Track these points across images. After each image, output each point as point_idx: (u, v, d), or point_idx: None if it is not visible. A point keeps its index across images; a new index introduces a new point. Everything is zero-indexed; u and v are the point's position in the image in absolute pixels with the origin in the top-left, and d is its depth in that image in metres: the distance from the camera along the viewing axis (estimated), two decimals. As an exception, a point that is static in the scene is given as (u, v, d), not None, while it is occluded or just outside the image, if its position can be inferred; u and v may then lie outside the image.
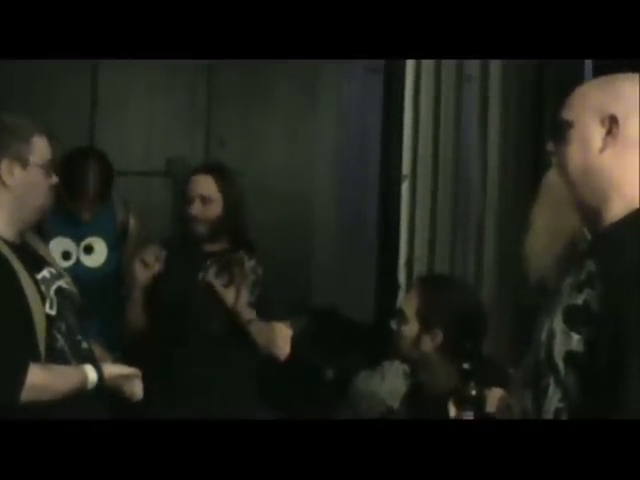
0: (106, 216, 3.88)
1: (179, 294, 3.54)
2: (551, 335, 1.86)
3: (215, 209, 3.55)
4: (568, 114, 1.94)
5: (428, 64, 4.67)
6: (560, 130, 1.94)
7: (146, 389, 2.84)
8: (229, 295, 3.53)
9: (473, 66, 4.42)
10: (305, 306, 4.92)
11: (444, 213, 4.60)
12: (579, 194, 1.94)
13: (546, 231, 2.19)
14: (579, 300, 1.82)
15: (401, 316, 2.91)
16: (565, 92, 1.98)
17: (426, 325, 2.87)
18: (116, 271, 3.89)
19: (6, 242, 2.67)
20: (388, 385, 3.77)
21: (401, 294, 3.01)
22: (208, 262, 3.58)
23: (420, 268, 4.60)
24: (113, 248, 3.87)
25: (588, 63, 3.41)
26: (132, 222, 3.95)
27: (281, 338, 3.63)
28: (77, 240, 3.88)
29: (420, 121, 4.72)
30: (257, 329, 3.53)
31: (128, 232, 3.91)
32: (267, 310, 3.58)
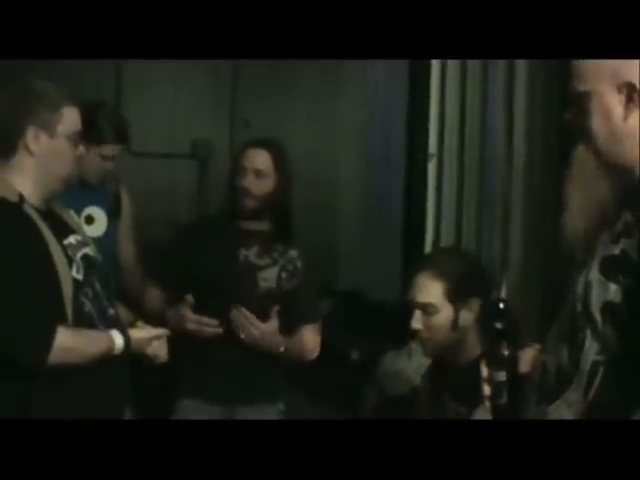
0: (99, 186, 3.74)
1: (216, 269, 3.46)
2: (587, 287, 1.82)
3: (267, 184, 3.47)
4: (582, 85, 1.87)
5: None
6: (577, 102, 1.88)
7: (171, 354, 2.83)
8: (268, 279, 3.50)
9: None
10: (331, 289, 4.90)
11: (470, 193, 4.57)
12: (609, 160, 1.90)
13: (582, 206, 2.14)
14: (616, 250, 1.80)
15: (428, 309, 2.76)
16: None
17: (461, 301, 2.75)
18: (114, 244, 3.74)
19: (34, 207, 2.66)
20: (415, 363, 3.72)
21: (413, 291, 2.84)
22: (252, 239, 3.52)
23: (446, 249, 4.57)
24: (111, 218, 3.74)
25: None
26: (124, 194, 3.82)
27: (311, 344, 3.59)
28: (78, 211, 3.57)
29: (446, 101, 4.70)
30: (288, 346, 3.49)
31: (121, 204, 3.78)
32: (298, 306, 3.53)
